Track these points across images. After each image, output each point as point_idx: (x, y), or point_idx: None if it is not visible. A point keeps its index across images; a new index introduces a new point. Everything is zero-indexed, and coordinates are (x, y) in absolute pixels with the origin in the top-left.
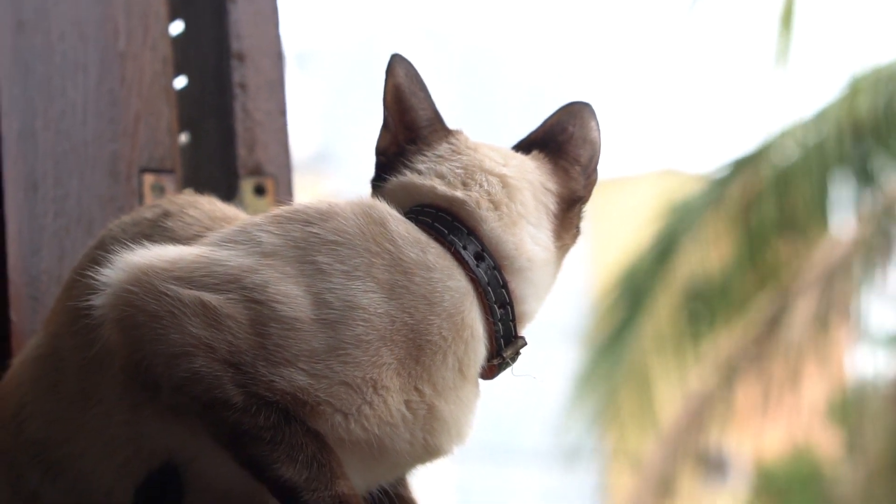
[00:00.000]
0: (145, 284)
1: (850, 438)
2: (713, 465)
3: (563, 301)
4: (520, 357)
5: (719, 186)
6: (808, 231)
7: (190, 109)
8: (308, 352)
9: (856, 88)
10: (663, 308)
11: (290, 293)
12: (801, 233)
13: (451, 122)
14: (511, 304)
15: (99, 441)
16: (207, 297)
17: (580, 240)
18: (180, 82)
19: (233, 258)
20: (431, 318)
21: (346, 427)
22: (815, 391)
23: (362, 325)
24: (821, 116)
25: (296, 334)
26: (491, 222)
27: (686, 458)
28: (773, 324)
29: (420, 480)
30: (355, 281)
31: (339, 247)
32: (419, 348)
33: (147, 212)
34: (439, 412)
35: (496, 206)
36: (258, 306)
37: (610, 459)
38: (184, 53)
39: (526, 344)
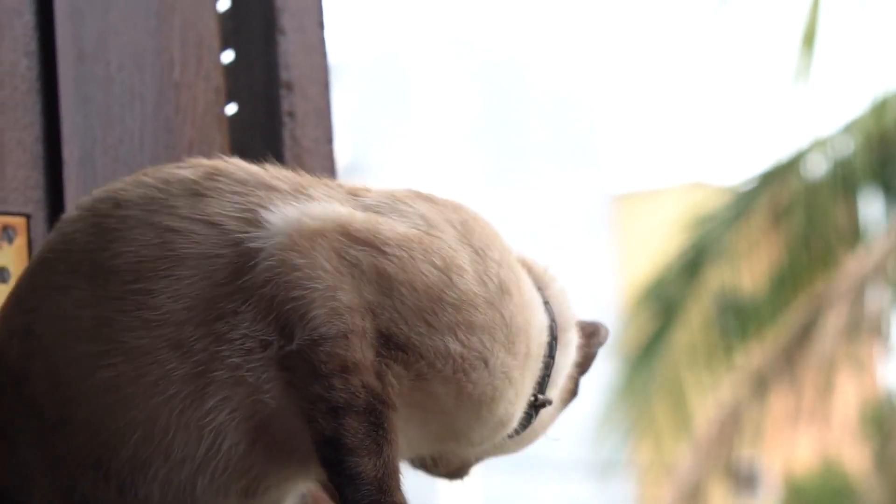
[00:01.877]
0: (323, 241)
1: (880, 452)
2: (744, 478)
3: (593, 314)
4: (538, 413)
5: (748, 198)
6: (839, 243)
7: (240, 135)
8: (469, 323)
9: (883, 102)
10: (695, 320)
11: (463, 265)
12: (832, 245)
13: (475, 131)
14: (553, 360)
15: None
16: (384, 264)
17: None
18: (231, 109)
19: (402, 225)
20: (530, 330)
21: (458, 399)
22: (845, 404)
23: (509, 311)
24: (849, 129)
25: (467, 305)
26: (554, 290)
27: (717, 469)
28: (804, 336)
29: (450, 494)
30: (503, 269)
31: (484, 236)
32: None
33: (184, 171)
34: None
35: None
36: (437, 272)
37: (643, 471)
38: (234, 82)
39: (551, 403)
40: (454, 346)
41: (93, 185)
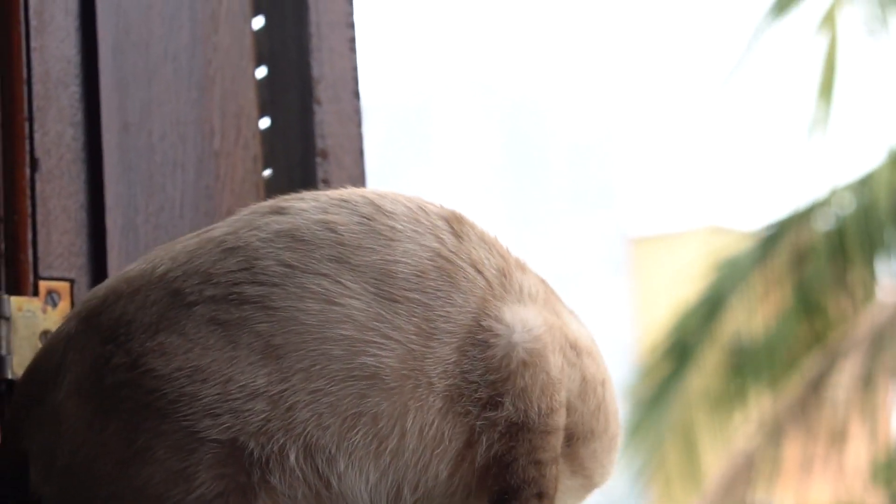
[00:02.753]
0: (557, 344)
1: (893, 501)
2: None
3: (609, 356)
4: None
5: (767, 244)
6: (856, 292)
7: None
8: (606, 428)
9: None
10: (710, 365)
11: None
12: (849, 294)
13: (495, 171)
14: None
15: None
16: (584, 368)
17: None
18: (266, 172)
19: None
20: None
21: (581, 491)
22: (859, 452)
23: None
24: (869, 179)
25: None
26: None
27: None
28: (819, 383)
29: None
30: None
31: None
32: None
33: (430, 205)
34: None
35: None
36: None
37: None
38: (271, 148)
39: None
40: (599, 447)
41: (134, 251)
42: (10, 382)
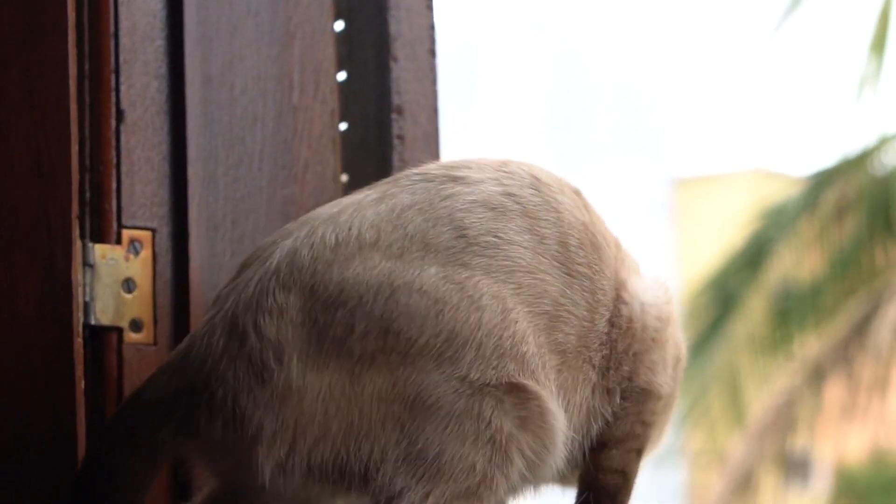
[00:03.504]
0: (672, 324)
1: None
2: (796, 467)
3: None
4: None
5: (814, 192)
6: None
7: (350, 154)
8: None
9: None
10: (755, 310)
11: None
12: (894, 240)
13: (542, 115)
14: None
15: None
16: (678, 341)
17: None
18: (342, 126)
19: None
20: None
21: None
22: None
23: None
24: None
25: None
26: None
27: (770, 458)
28: (863, 328)
29: None
30: None
31: None
32: None
33: (564, 181)
34: None
35: None
36: None
37: (696, 459)
38: (346, 102)
39: None
40: (669, 416)
41: (215, 203)
42: (94, 328)
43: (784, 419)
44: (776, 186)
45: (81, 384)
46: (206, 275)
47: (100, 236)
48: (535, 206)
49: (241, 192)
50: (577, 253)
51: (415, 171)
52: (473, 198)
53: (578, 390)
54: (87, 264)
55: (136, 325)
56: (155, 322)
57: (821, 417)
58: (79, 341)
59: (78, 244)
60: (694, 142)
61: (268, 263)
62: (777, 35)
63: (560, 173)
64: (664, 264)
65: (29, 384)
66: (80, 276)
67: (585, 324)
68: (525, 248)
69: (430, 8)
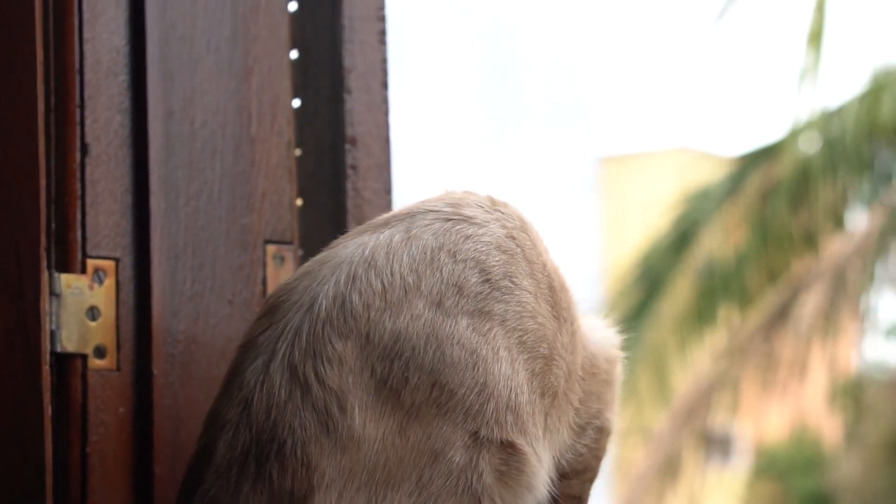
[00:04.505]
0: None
1: (850, 426)
2: (718, 445)
3: (580, 277)
4: None
5: (739, 175)
6: (823, 224)
7: (304, 179)
8: None
9: (878, 85)
10: (681, 290)
11: None
12: (817, 225)
13: (470, 91)
14: None
15: None
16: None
17: None
18: (297, 152)
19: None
20: None
21: None
22: (819, 379)
23: None
24: (843, 111)
25: None
26: None
27: (693, 436)
28: (784, 311)
29: None
30: None
31: None
32: None
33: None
34: None
35: None
36: None
37: (623, 436)
38: (300, 130)
39: None
40: None
41: (176, 232)
42: (59, 355)
43: (707, 398)
44: (702, 166)
45: (49, 410)
46: (168, 302)
47: (65, 266)
48: (528, 249)
49: (201, 222)
50: (560, 296)
51: (423, 207)
52: (488, 240)
53: (561, 431)
54: (54, 293)
55: (99, 352)
56: (118, 348)
57: (742, 397)
58: (46, 368)
59: (45, 274)
60: (621, 120)
61: (316, 309)
62: (715, 23)
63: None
64: (591, 240)
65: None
66: (47, 306)
67: (571, 366)
68: (529, 292)
69: (382, 42)
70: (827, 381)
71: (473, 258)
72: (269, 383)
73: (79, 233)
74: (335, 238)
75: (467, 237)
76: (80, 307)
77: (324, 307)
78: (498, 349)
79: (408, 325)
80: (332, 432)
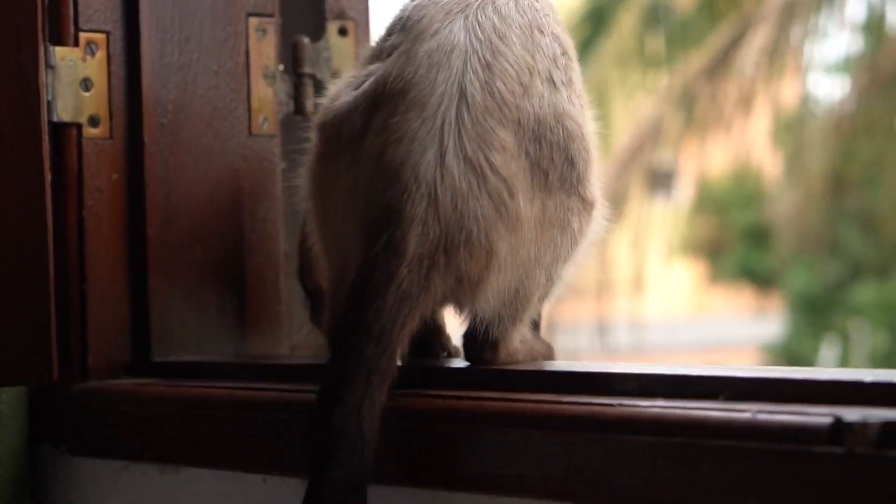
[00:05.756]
0: None
1: (791, 159)
2: (661, 180)
3: None
4: None
5: None
6: None
7: None
8: None
9: None
10: (625, 30)
11: None
12: None
13: None
14: None
15: None
16: None
17: None
18: None
19: None
20: None
21: None
22: (763, 117)
23: None
24: None
25: None
26: None
27: (636, 175)
28: (730, 51)
29: None
30: None
31: None
32: None
33: None
34: None
35: None
36: None
37: None
38: None
39: None
40: None
41: (164, 6)
42: (56, 125)
43: (650, 140)
44: None
45: (49, 177)
46: (156, 73)
47: (58, 39)
48: (556, 13)
49: None
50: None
51: None
52: (548, 11)
53: None
54: (49, 66)
55: (93, 121)
56: (111, 117)
57: (686, 136)
58: (45, 138)
59: (41, 48)
60: None
61: (470, 99)
62: None
63: None
64: None
65: (6, 177)
66: (43, 78)
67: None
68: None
69: None
70: (770, 118)
71: (551, 31)
72: (448, 175)
73: (71, 7)
74: (314, 11)
75: (537, 10)
76: (74, 78)
77: (478, 97)
78: (585, 116)
79: (540, 105)
80: (505, 217)
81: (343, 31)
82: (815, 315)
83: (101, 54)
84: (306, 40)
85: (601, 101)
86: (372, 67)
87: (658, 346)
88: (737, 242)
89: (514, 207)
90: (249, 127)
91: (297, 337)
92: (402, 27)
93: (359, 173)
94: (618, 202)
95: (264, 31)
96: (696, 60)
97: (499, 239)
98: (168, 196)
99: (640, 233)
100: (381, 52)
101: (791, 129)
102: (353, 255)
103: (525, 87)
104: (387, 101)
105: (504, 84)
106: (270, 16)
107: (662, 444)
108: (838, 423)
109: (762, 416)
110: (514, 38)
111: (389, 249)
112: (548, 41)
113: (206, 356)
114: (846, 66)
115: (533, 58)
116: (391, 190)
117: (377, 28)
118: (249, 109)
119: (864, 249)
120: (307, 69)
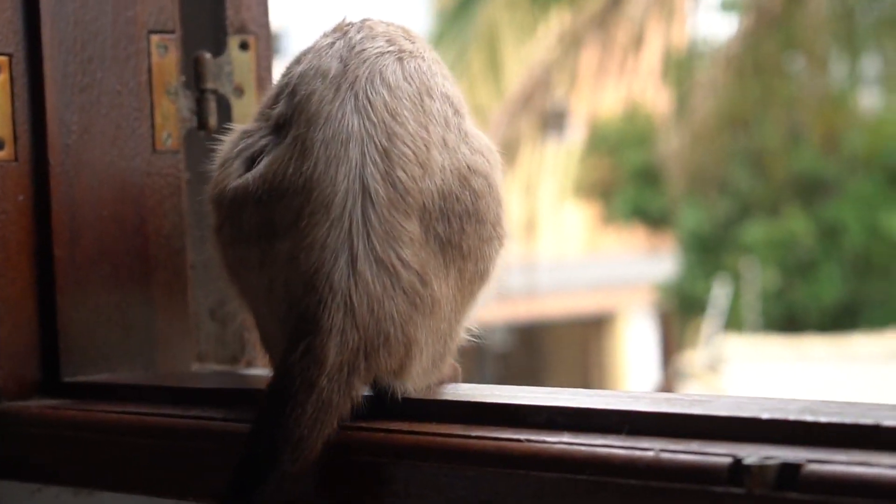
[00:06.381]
0: None
1: (680, 98)
2: (553, 121)
3: None
4: None
5: None
6: None
7: None
8: None
9: None
10: None
11: None
12: None
13: None
14: None
15: None
16: None
17: None
18: None
19: None
20: None
21: None
22: (653, 57)
23: None
24: None
25: None
26: None
27: (529, 118)
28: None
29: None
30: None
31: None
32: None
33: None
34: None
35: None
36: None
37: None
38: None
39: None
40: None
41: (66, 26)
42: None
43: (542, 85)
44: None
45: None
46: (60, 94)
47: None
48: (443, 66)
49: (89, 16)
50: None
51: (363, 48)
52: (436, 69)
53: None
54: None
55: None
56: (15, 140)
57: (578, 80)
58: None
59: None
60: None
61: (373, 196)
62: None
63: None
64: None
65: None
66: None
67: None
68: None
69: None
70: (660, 58)
71: (441, 92)
72: (362, 281)
73: None
74: (214, 26)
75: (423, 72)
76: None
77: (381, 191)
78: (483, 151)
79: (443, 178)
80: (421, 307)
81: (244, 46)
82: (707, 254)
83: (3, 77)
84: (208, 56)
85: (492, 45)
86: (262, 140)
87: (551, 287)
88: (629, 183)
89: (428, 294)
90: (153, 144)
91: (204, 346)
92: (290, 98)
93: (274, 274)
94: (511, 147)
95: (166, 47)
96: (587, 7)
97: (416, 330)
98: (74, 216)
99: (532, 176)
100: (269, 118)
101: (680, 69)
102: (278, 339)
103: (424, 167)
104: (289, 197)
105: (404, 171)
106: (172, 32)
107: (568, 480)
108: (737, 465)
109: (665, 456)
110: (407, 114)
111: (308, 358)
112: (438, 106)
113: (117, 374)
114: (734, 4)
115: (427, 130)
116: (307, 299)
117: (278, 42)
118: (153, 126)
119: (754, 188)
120: (209, 84)
